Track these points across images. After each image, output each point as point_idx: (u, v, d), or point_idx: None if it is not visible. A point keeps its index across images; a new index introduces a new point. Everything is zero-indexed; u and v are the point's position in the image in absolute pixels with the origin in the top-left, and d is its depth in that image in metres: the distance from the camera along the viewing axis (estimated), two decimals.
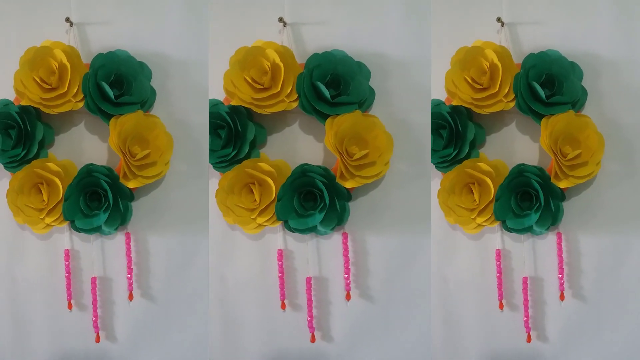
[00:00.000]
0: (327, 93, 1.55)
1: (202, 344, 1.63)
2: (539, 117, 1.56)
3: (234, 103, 1.58)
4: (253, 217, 1.59)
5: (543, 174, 1.57)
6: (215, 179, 1.61)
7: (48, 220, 1.59)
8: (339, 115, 1.56)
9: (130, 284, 1.63)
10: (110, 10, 1.62)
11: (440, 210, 1.61)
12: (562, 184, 1.55)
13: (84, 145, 1.63)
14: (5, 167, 1.59)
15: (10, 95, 1.58)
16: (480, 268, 1.63)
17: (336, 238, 1.63)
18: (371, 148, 1.57)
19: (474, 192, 1.58)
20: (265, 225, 1.60)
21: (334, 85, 1.57)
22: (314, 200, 1.59)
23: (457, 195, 1.59)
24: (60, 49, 1.56)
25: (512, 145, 1.62)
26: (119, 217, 1.59)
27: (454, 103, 1.58)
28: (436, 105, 1.60)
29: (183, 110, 1.62)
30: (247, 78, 1.56)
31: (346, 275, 1.62)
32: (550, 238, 1.61)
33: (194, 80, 1.62)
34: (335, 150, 1.56)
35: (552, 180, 1.55)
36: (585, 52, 1.58)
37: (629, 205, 1.60)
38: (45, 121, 1.61)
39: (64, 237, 1.63)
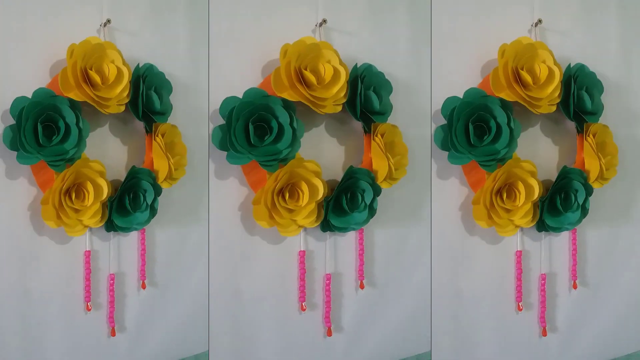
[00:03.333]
0: (377, 104, 1.58)
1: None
2: (579, 123, 1.63)
3: (287, 97, 1.54)
4: (295, 218, 1.57)
5: (583, 176, 1.63)
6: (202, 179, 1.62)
7: (87, 222, 1.52)
8: (382, 123, 1.59)
9: (142, 275, 1.62)
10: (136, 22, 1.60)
11: (443, 213, 1.67)
12: (595, 185, 1.64)
13: (106, 147, 1.59)
14: (49, 164, 1.49)
15: (31, 87, 1.50)
16: (498, 272, 1.69)
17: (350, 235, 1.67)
18: (399, 154, 1.61)
19: (517, 192, 1.60)
20: (304, 227, 1.60)
21: None
22: (352, 201, 1.59)
23: (500, 196, 1.60)
24: (115, 50, 1.52)
25: (535, 145, 1.68)
26: (152, 215, 1.59)
27: (504, 97, 1.58)
28: (482, 97, 1.59)
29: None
30: (308, 75, 1.53)
31: (360, 267, 1.65)
32: (564, 234, 1.70)
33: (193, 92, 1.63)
34: (385, 155, 1.58)
35: (593, 182, 1.63)
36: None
37: (621, 203, 1.73)
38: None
39: (82, 238, 1.58)
